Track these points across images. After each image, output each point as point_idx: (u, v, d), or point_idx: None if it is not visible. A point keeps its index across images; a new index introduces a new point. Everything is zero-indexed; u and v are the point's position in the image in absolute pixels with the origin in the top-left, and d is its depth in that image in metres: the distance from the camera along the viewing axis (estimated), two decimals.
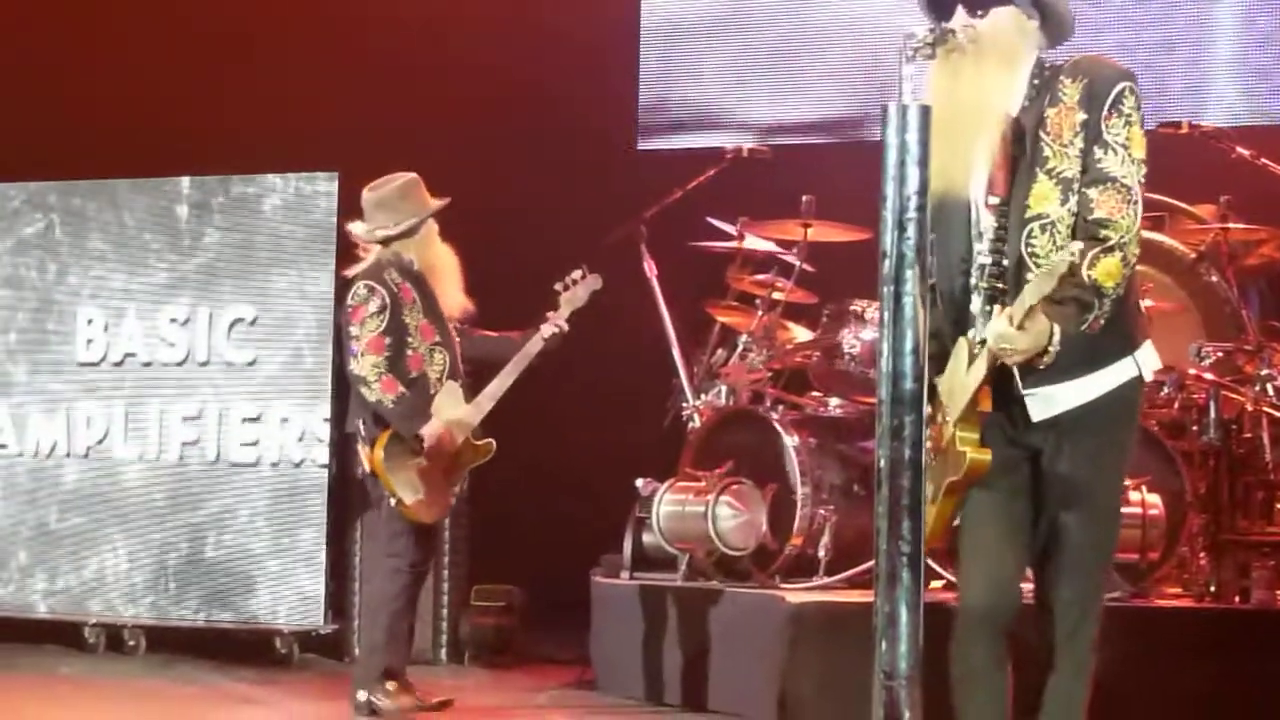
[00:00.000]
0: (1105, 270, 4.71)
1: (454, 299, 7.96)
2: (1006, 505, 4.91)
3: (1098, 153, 4.80)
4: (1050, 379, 4.84)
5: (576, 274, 8.13)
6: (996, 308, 4.82)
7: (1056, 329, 4.70)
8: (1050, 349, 4.72)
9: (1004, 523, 4.91)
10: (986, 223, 4.90)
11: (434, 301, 7.89)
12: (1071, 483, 4.89)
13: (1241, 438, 7.97)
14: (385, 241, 7.88)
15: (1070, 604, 4.93)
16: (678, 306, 9.35)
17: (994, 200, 4.88)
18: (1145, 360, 4.94)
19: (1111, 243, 4.73)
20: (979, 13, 4.88)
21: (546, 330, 8.03)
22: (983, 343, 4.81)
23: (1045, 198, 4.82)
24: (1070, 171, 4.82)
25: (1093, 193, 4.79)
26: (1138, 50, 10.16)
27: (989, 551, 4.91)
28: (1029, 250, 4.81)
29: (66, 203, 10.19)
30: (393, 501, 7.76)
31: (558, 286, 8.11)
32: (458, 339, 7.99)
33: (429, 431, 7.73)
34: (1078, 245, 4.64)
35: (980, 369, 4.80)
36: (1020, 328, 4.69)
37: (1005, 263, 4.85)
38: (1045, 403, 4.86)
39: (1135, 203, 4.79)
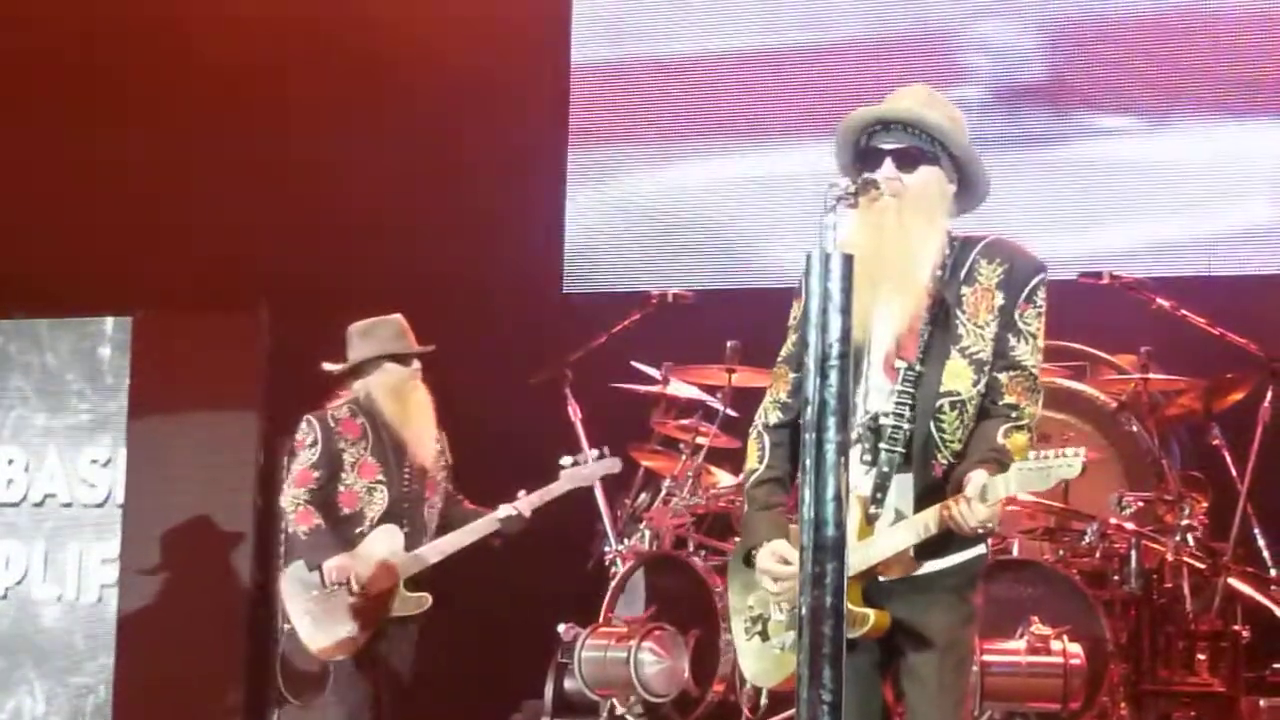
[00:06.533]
0: (1016, 445, 4.85)
1: (426, 447, 7.80)
2: (867, 654, 4.92)
3: (1011, 340, 4.94)
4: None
5: (594, 452, 8.06)
6: (907, 478, 4.89)
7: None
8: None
9: (864, 669, 4.92)
10: (879, 380, 4.95)
11: (390, 443, 7.73)
12: (918, 625, 4.91)
13: (1162, 587, 8.02)
14: (339, 375, 7.84)
15: None
16: (601, 450, 9.33)
17: (900, 364, 4.93)
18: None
19: (1023, 422, 4.90)
20: (908, 168, 4.94)
21: (501, 512, 7.87)
22: (897, 513, 4.88)
23: (959, 376, 4.92)
24: (984, 353, 4.94)
25: (1003, 378, 4.93)
26: (1059, 201, 10.25)
27: (855, 693, 4.89)
28: (937, 426, 4.90)
29: None
30: (286, 628, 7.68)
31: (565, 460, 8.04)
32: (424, 486, 7.81)
33: (330, 565, 7.56)
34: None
35: (903, 537, 4.85)
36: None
37: (906, 428, 4.89)
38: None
39: (1038, 391, 4.98)
